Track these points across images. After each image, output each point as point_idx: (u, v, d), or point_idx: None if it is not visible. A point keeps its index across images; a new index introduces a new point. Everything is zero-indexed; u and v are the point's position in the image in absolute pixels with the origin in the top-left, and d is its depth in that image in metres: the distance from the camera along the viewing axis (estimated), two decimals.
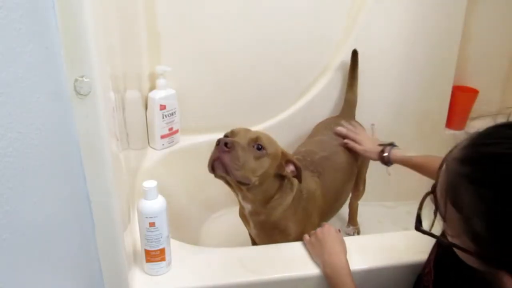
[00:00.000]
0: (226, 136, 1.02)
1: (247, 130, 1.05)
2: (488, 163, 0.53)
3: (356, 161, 1.39)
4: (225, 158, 0.93)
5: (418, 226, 0.64)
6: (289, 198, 1.09)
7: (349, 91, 1.59)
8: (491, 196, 0.52)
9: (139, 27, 1.40)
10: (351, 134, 1.34)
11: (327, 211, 1.25)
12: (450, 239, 0.59)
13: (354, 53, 1.56)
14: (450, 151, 0.59)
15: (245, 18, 1.49)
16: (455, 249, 0.60)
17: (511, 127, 0.55)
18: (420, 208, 0.64)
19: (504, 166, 0.52)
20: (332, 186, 1.24)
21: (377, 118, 1.63)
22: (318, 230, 1.04)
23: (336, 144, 1.34)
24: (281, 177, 1.08)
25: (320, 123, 1.53)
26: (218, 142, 0.95)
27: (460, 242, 0.57)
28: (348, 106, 1.59)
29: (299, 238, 1.08)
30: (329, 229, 1.03)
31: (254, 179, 0.98)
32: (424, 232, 0.63)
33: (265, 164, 1.01)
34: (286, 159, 1.07)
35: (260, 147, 1.00)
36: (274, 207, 1.08)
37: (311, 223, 1.16)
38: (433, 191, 0.62)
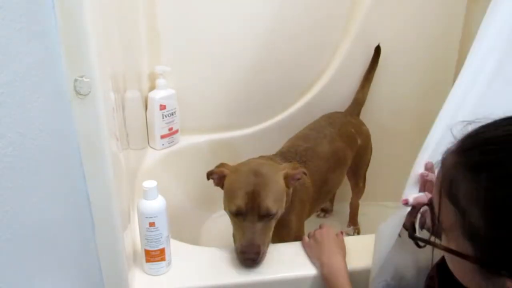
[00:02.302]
0: (237, 213, 0.99)
1: (258, 202, 0.98)
2: (484, 147, 0.52)
3: (350, 151, 1.41)
4: (254, 266, 0.98)
5: (412, 234, 0.63)
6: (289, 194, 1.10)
7: (360, 91, 1.61)
8: (488, 179, 0.50)
9: (139, 27, 1.40)
10: None
11: (317, 198, 1.28)
12: (445, 244, 0.57)
13: (377, 49, 1.58)
14: (446, 151, 0.57)
15: (245, 18, 1.49)
16: (450, 261, 0.58)
17: (506, 118, 0.54)
18: (415, 217, 0.63)
19: (501, 147, 0.50)
20: (318, 173, 1.27)
21: (377, 117, 1.64)
22: (317, 231, 1.04)
23: (320, 136, 1.36)
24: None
25: (323, 116, 1.53)
26: (244, 260, 0.97)
27: (457, 246, 0.54)
28: (355, 105, 1.61)
29: (298, 229, 1.09)
30: (328, 231, 1.03)
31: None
32: (418, 238, 0.62)
33: (275, 220, 1.03)
34: (291, 178, 1.07)
35: (271, 215, 1.00)
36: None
37: (305, 213, 1.21)
38: (429, 203, 0.61)
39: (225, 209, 1.06)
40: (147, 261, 0.96)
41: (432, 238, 0.61)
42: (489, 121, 0.54)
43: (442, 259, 0.72)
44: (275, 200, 1.00)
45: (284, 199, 1.05)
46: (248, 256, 0.96)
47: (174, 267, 1.00)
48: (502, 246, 0.49)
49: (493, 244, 0.50)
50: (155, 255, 0.95)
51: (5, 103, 0.55)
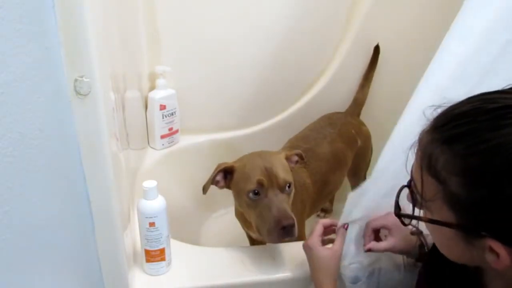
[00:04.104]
0: (258, 189, 0.98)
1: (275, 175, 0.99)
2: (457, 120, 0.56)
3: (350, 152, 1.42)
4: (293, 234, 0.95)
5: (398, 212, 0.67)
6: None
7: (359, 91, 1.62)
8: (462, 148, 0.54)
9: (139, 27, 1.40)
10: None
11: (317, 199, 1.28)
12: (430, 217, 0.61)
13: (376, 49, 1.58)
14: (421, 132, 0.62)
15: (245, 18, 1.49)
16: (435, 234, 0.62)
17: (472, 96, 0.58)
18: (397, 195, 0.67)
19: (471, 119, 0.55)
20: (318, 174, 1.27)
21: (377, 116, 1.63)
22: (304, 245, 0.96)
23: (320, 137, 1.36)
24: None
25: (323, 116, 1.53)
26: (284, 227, 0.93)
27: (440, 216, 0.58)
28: (355, 105, 1.61)
29: (299, 230, 1.10)
30: (305, 247, 0.94)
31: None
32: (403, 215, 0.66)
33: (292, 194, 1.04)
34: (289, 160, 1.09)
35: (289, 185, 1.01)
36: None
37: (306, 213, 1.21)
38: (408, 185, 0.64)
39: (240, 200, 1.02)
40: (147, 261, 0.96)
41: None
42: (455, 102, 0.59)
43: (432, 248, 0.74)
44: (286, 172, 1.02)
45: (291, 174, 1.05)
46: (287, 223, 0.93)
47: (174, 267, 1.00)
48: (481, 208, 0.53)
49: (472, 207, 0.54)
50: (155, 255, 0.95)
51: (5, 103, 0.55)
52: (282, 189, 0.99)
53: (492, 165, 0.52)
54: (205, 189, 1.05)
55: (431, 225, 0.61)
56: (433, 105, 0.61)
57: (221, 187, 1.06)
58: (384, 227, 0.90)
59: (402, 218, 0.67)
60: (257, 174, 0.98)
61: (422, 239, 0.87)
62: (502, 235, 0.53)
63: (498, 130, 0.52)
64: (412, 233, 0.88)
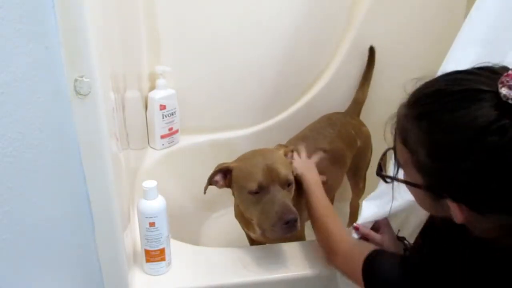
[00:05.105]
0: (258, 189, 0.98)
1: (276, 172, 1.00)
2: (425, 100, 0.65)
3: (350, 153, 1.42)
4: (296, 228, 0.96)
5: (379, 172, 0.76)
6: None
7: (359, 91, 1.62)
8: (428, 125, 0.63)
9: (139, 27, 1.40)
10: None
11: None
12: (404, 178, 0.71)
13: (371, 50, 1.58)
14: (400, 105, 0.70)
15: (245, 18, 1.49)
16: (411, 192, 0.72)
17: (442, 75, 0.66)
18: (381, 159, 0.76)
19: (436, 99, 0.63)
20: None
21: (377, 116, 1.62)
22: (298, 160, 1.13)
23: (319, 137, 1.36)
24: None
25: (323, 117, 1.53)
26: (287, 222, 0.94)
27: (411, 178, 0.68)
28: (355, 104, 1.61)
29: (300, 229, 1.10)
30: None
31: None
32: (383, 175, 0.76)
33: (293, 191, 1.05)
34: (287, 153, 1.11)
35: (290, 183, 1.02)
36: None
37: (305, 214, 1.18)
38: (394, 148, 0.73)
39: (240, 198, 1.03)
40: (147, 261, 0.96)
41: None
42: (431, 78, 0.67)
43: (426, 224, 0.85)
44: (288, 169, 1.03)
45: (292, 171, 1.06)
46: (290, 217, 0.93)
47: (174, 267, 1.00)
48: (441, 174, 0.63)
49: (435, 174, 0.64)
50: (155, 255, 0.95)
51: (5, 103, 0.55)
52: (284, 185, 1.00)
53: (450, 141, 0.60)
54: (204, 189, 1.06)
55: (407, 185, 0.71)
56: (414, 78, 0.69)
57: (221, 187, 1.07)
58: (379, 225, 0.98)
59: (383, 177, 0.76)
60: (259, 172, 0.98)
61: (406, 242, 0.95)
62: (457, 196, 0.63)
63: (458, 111, 0.60)
64: (398, 238, 0.96)
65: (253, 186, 0.98)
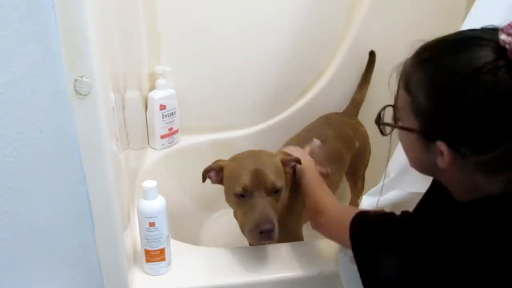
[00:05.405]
0: (243, 193, 0.99)
1: (263, 178, 0.99)
2: (429, 47, 0.70)
3: (348, 153, 1.42)
4: (271, 238, 0.96)
5: (377, 120, 0.80)
6: (286, 194, 1.10)
7: (358, 91, 1.62)
8: (432, 69, 0.67)
9: (139, 27, 1.40)
10: None
11: None
12: (399, 124, 0.75)
13: (372, 54, 1.58)
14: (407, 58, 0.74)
15: (245, 18, 1.49)
16: (401, 139, 0.76)
17: (456, 32, 0.71)
18: (381, 110, 0.80)
19: (439, 45, 0.69)
20: None
21: (375, 117, 1.63)
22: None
23: (317, 138, 1.36)
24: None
25: (321, 117, 1.53)
26: (261, 232, 0.95)
27: (407, 123, 0.71)
28: (353, 105, 1.61)
29: (297, 231, 1.10)
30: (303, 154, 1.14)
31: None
32: (381, 123, 0.79)
33: (284, 196, 1.05)
34: (286, 164, 1.08)
35: (277, 190, 1.01)
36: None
37: (303, 214, 1.19)
38: (394, 105, 0.77)
39: (228, 197, 1.05)
40: (147, 261, 0.96)
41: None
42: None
43: (428, 191, 0.87)
44: (277, 176, 1.01)
45: (284, 179, 1.04)
46: (265, 227, 0.94)
47: (174, 267, 1.00)
48: (438, 116, 0.66)
49: (432, 117, 0.67)
50: (155, 255, 0.95)
51: (5, 103, 0.55)
52: (269, 191, 0.99)
53: (450, 83, 0.64)
54: (204, 176, 1.08)
55: (400, 133, 0.75)
56: (422, 40, 0.73)
57: (214, 182, 1.08)
58: None
59: (380, 126, 0.80)
60: (246, 175, 0.98)
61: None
62: (448, 137, 0.65)
63: (456, 54, 0.64)
64: None
65: (238, 189, 0.98)
